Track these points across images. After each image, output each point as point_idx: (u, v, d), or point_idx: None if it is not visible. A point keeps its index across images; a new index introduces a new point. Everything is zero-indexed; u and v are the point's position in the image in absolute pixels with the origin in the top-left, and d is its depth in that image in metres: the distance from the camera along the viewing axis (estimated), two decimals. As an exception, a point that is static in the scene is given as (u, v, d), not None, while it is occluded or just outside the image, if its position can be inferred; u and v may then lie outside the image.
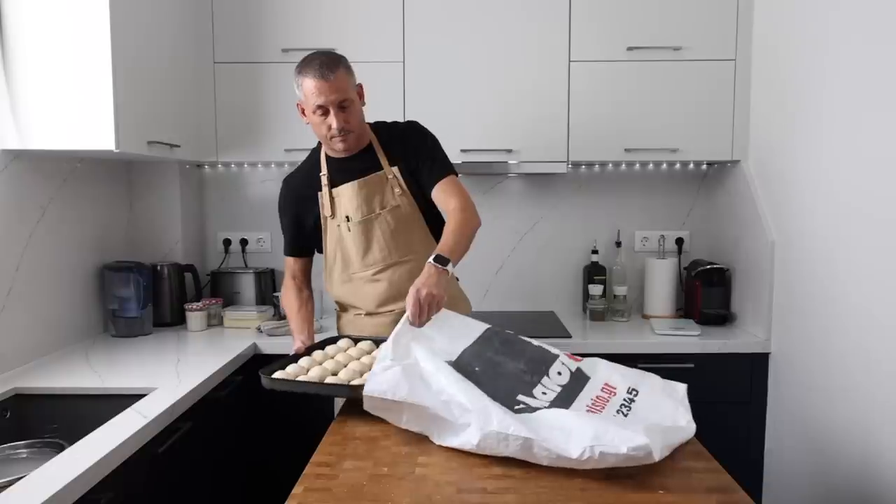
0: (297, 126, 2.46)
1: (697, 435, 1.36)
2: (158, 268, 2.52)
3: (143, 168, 2.59)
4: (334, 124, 1.71)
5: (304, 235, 1.93)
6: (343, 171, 1.83)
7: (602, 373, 1.48)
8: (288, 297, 1.96)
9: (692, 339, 2.29)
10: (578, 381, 1.43)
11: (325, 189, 1.84)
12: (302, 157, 2.47)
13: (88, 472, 1.24)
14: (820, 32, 1.99)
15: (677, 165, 2.76)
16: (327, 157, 1.87)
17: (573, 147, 2.47)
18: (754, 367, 2.28)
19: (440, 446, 1.29)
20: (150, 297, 2.42)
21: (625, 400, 1.38)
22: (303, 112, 1.79)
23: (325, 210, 1.85)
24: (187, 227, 2.67)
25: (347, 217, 1.83)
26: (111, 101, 1.87)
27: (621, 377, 1.47)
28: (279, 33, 2.44)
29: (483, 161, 2.46)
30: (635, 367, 2.21)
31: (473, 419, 1.23)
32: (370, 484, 1.15)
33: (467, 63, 2.44)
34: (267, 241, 2.83)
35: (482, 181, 2.80)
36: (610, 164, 2.77)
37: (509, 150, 2.46)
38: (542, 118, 2.46)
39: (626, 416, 1.32)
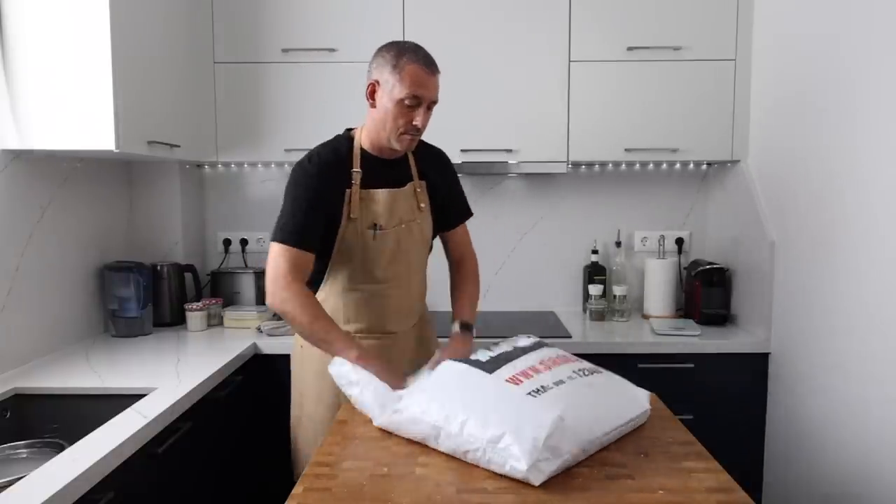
0: (297, 126, 2.48)
1: (697, 435, 1.37)
2: (158, 268, 2.52)
3: (143, 168, 2.59)
4: (419, 121, 1.60)
5: (322, 226, 1.66)
6: (376, 173, 1.69)
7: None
8: (310, 303, 1.59)
9: (692, 339, 2.29)
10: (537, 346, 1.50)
11: (355, 188, 1.66)
12: (302, 156, 2.49)
13: (88, 472, 1.24)
14: (820, 32, 1.99)
15: (677, 165, 2.76)
16: (363, 153, 1.70)
17: (573, 147, 2.47)
18: (754, 367, 2.28)
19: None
20: (150, 297, 2.42)
21: (585, 370, 1.41)
22: (372, 94, 1.63)
23: (353, 211, 1.66)
24: (187, 227, 2.67)
25: (375, 224, 1.68)
26: (111, 101, 1.86)
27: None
28: (279, 33, 2.44)
29: (483, 161, 2.46)
30: (636, 367, 2.23)
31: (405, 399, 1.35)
32: (370, 484, 1.15)
33: (467, 63, 2.43)
34: (267, 241, 2.83)
35: (482, 181, 2.80)
36: (610, 164, 2.77)
37: (509, 150, 2.46)
38: (542, 118, 2.46)
39: (582, 376, 1.38)
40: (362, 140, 1.71)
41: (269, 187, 2.82)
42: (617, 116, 2.46)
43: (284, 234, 1.61)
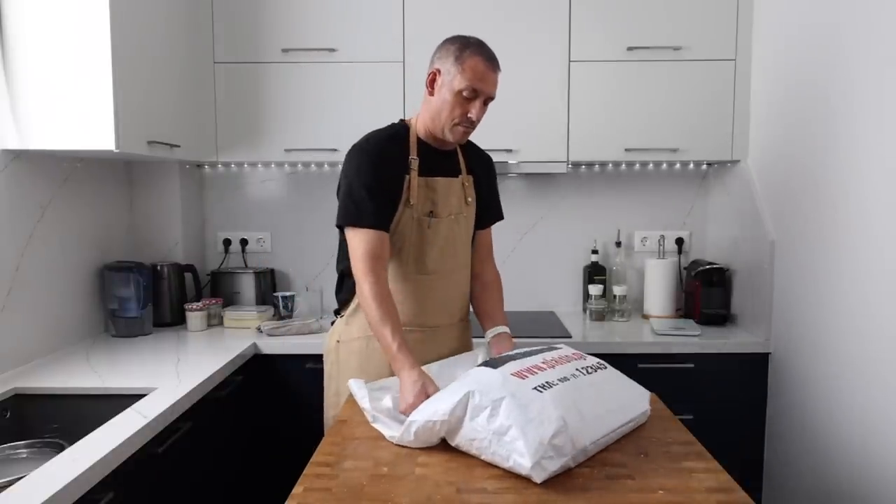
0: (297, 126, 2.47)
1: (697, 435, 1.37)
2: (158, 268, 2.52)
3: (143, 168, 2.59)
4: (474, 114, 1.61)
5: (388, 206, 1.65)
6: (432, 162, 1.70)
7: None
8: (381, 302, 1.56)
9: (692, 339, 2.29)
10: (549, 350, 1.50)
11: (413, 174, 1.67)
12: (302, 157, 2.50)
13: (88, 472, 1.24)
14: (820, 32, 1.99)
15: (677, 165, 2.76)
16: (420, 142, 1.71)
17: (573, 147, 2.47)
18: (754, 367, 2.28)
19: (440, 447, 1.29)
20: (150, 297, 2.42)
21: (588, 368, 1.42)
22: (432, 83, 1.64)
23: (412, 196, 1.66)
24: (187, 227, 2.67)
25: (431, 212, 1.69)
26: (111, 101, 1.86)
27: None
28: (279, 33, 2.44)
29: (483, 161, 2.46)
30: (636, 367, 2.23)
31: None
32: (370, 484, 1.15)
33: (467, 63, 2.43)
34: (267, 241, 2.83)
35: (482, 181, 2.80)
36: (610, 164, 2.77)
37: (509, 150, 2.46)
38: (542, 118, 2.46)
39: (583, 375, 1.38)
40: (418, 128, 1.72)
41: (269, 187, 2.82)
42: (617, 116, 2.46)
43: (349, 217, 1.62)
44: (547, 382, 1.28)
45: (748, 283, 2.42)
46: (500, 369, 1.32)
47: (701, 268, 2.55)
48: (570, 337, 2.32)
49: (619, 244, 2.78)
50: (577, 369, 1.39)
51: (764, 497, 2.29)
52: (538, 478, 1.13)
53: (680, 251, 2.79)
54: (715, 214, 2.73)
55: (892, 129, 1.67)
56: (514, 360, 1.39)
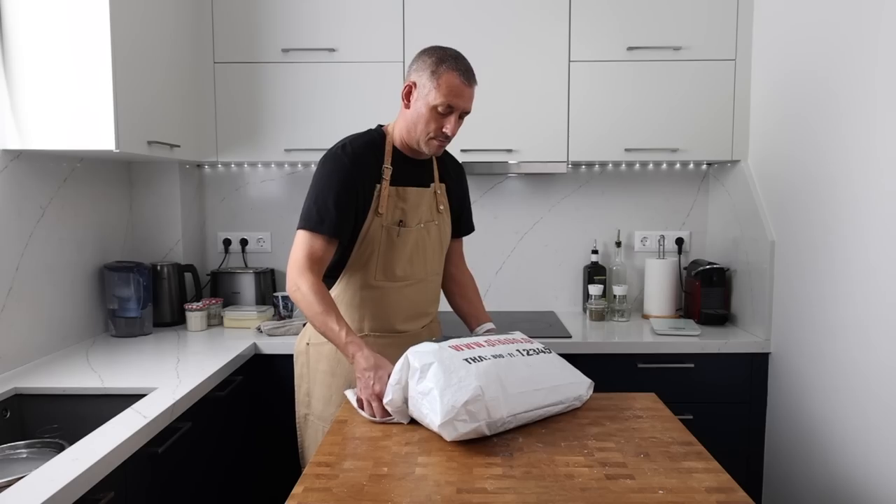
0: (297, 126, 2.48)
1: (697, 435, 1.37)
2: (158, 268, 2.52)
3: (143, 168, 2.59)
4: (450, 129, 1.62)
5: (352, 216, 1.66)
6: (404, 171, 1.71)
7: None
8: (319, 297, 1.57)
9: (692, 339, 2.29)
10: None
11: (385, 183, 1.67)
12: (302, 157, 2.50)
13: (88, 472, 1.24)
14: (820, 32, 1.99)
15: (677, 165, 2.77)
16: (395, 151, 1.71)
17: (573, 147, 2.47)
18: (754, 367, 2.28)
19: (440, 447, 1.30)
20: (150, 297, 2.42)
21: (529, 351, 1.51)
22: (408, 95, 1.64)
23: (381, 206, 1.67)
24: (187, 227, 2.68)
25: (401, 221, 1.69)
26: (111, 101, 1.87)
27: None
28: (279, 33, 2.44)
29: (483, 161, 2.46)
30: (636, 367, 2.23)
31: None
32: (370, 484, 1.15)
33: (467, 63, 2.43)
34: (267, 241, 2.83)
35: (482, 181, 2.80)
36: (610, 164, 2.77)
37: (509, 150, 2.46)
38: (542, 118, 2.46)
39: (524, 356, 1.48)
40: (394, 137, 1.72)
41: (269, 187, 2.82)
42: (617, 116, 2.46)
43: (308, 221, 1.63)
44: (480, 357, 1.39)
45: (748, 283, 2.42)
46: (441, 344, 1.42)
47: (701, 268, 2.55)
48: (570, 337, 2.32)
49: (619, 244, 2.78)
50: (516, 350, 1.48)
51: (764, 497, 2.29)
52: (448, 436, 1.26)
53: (680, 251, 2.79)
54: (715, 214, 2.74)
55: (892, 129, 1.67)
56: (459, 338, 1.49)
